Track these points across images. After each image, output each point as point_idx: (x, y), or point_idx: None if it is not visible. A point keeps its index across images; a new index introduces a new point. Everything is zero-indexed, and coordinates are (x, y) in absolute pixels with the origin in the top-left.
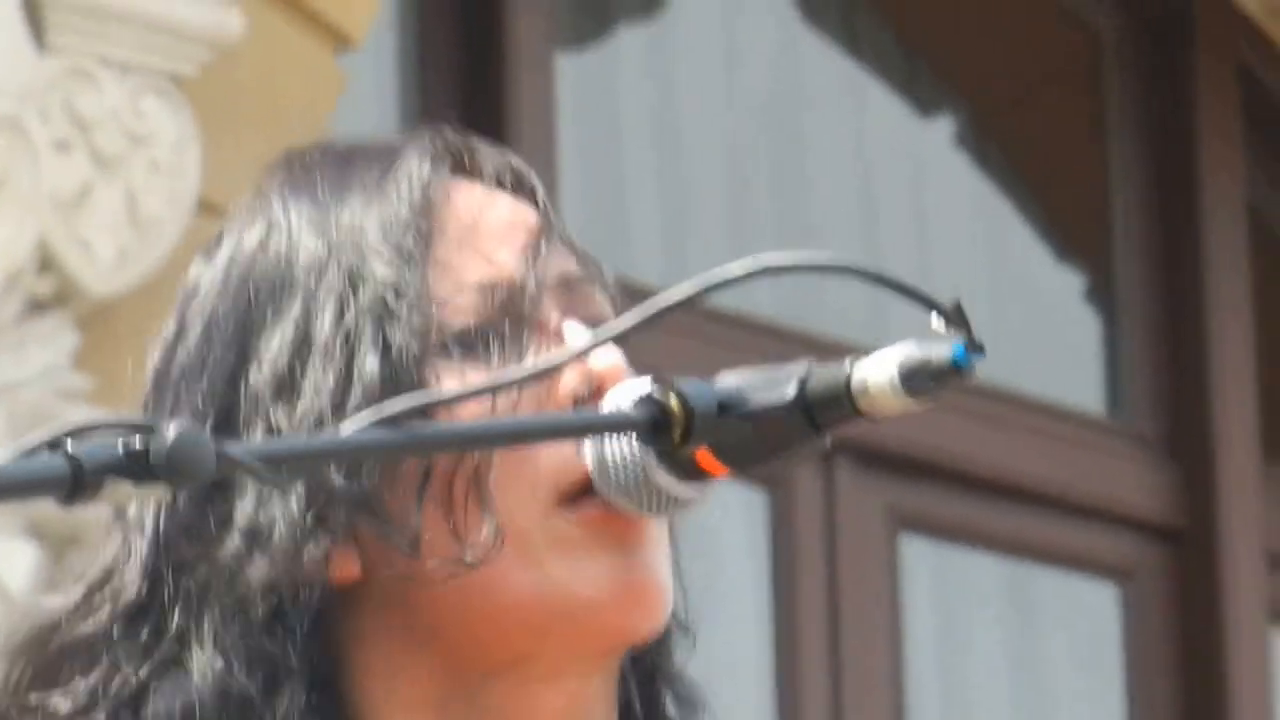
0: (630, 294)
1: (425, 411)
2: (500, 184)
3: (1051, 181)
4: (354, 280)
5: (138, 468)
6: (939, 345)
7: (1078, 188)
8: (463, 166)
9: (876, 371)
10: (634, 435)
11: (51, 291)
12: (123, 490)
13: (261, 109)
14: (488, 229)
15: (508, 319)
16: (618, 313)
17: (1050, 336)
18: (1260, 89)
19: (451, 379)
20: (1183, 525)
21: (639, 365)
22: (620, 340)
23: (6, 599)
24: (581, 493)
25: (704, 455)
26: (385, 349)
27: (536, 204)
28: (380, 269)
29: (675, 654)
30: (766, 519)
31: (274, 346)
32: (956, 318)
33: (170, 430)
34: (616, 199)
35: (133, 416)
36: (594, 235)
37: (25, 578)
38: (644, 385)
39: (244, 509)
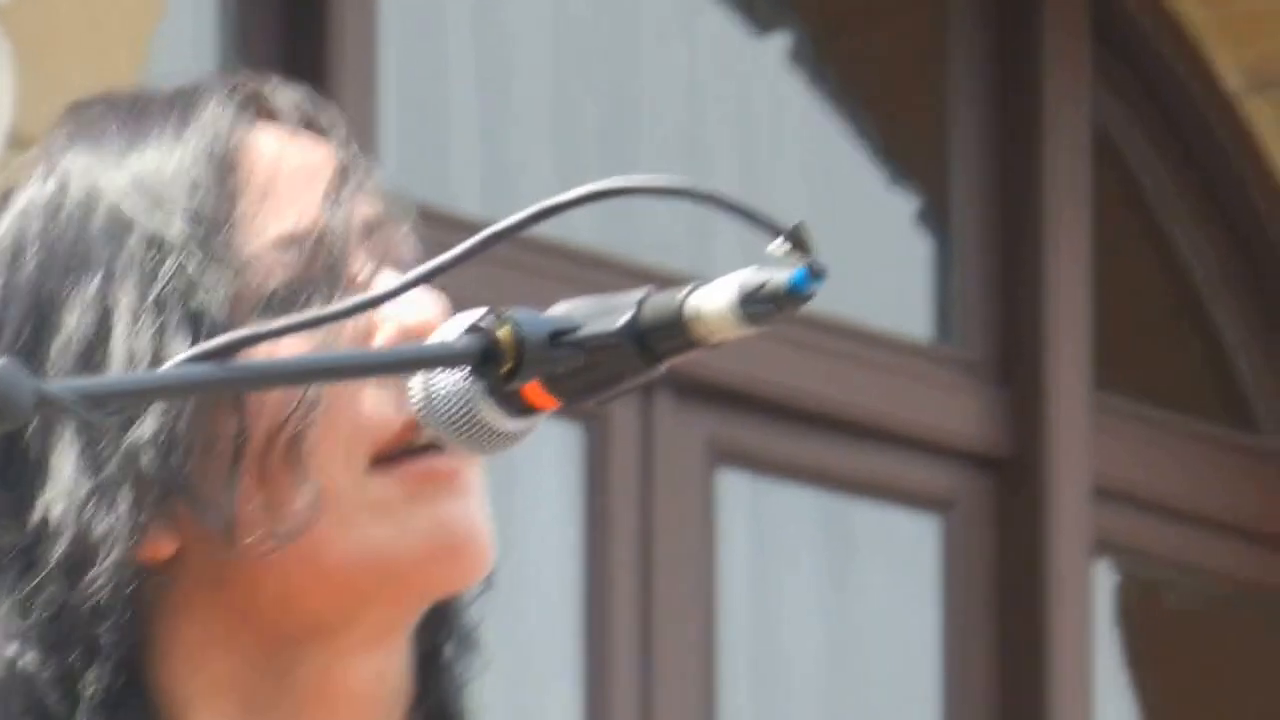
0: (454, 227)
1: (242, 352)
2: (302, 125)
3: (889, 103)
4: (154, 248)
5: None
6: (779, 270)
7: (916, 110)
8: (262, 110)
9: (714, 297)
10: (462, 368)
11: None
12: None
13: (79, 37)
14: (288, 177)
15: (316, 273)
16: (425, 257)
17: (881, 263)
18: (1110, 10)
19: (268, 347)
20: (1008, 455)
21: (466, 303)
22: (445, 273)
23: None
24: (400, 451)
25: (533, 388)
26: (194, 324)
27: (340, 144)
28: (181, 234)
29: (463, 598)
30: (581, 453)
31: (73, 325)
32: (798, 241)
33: None
34: (440, 128)
35: None
36: (415, 168)
37: None
38: (473, 316)
39: (51, 486)
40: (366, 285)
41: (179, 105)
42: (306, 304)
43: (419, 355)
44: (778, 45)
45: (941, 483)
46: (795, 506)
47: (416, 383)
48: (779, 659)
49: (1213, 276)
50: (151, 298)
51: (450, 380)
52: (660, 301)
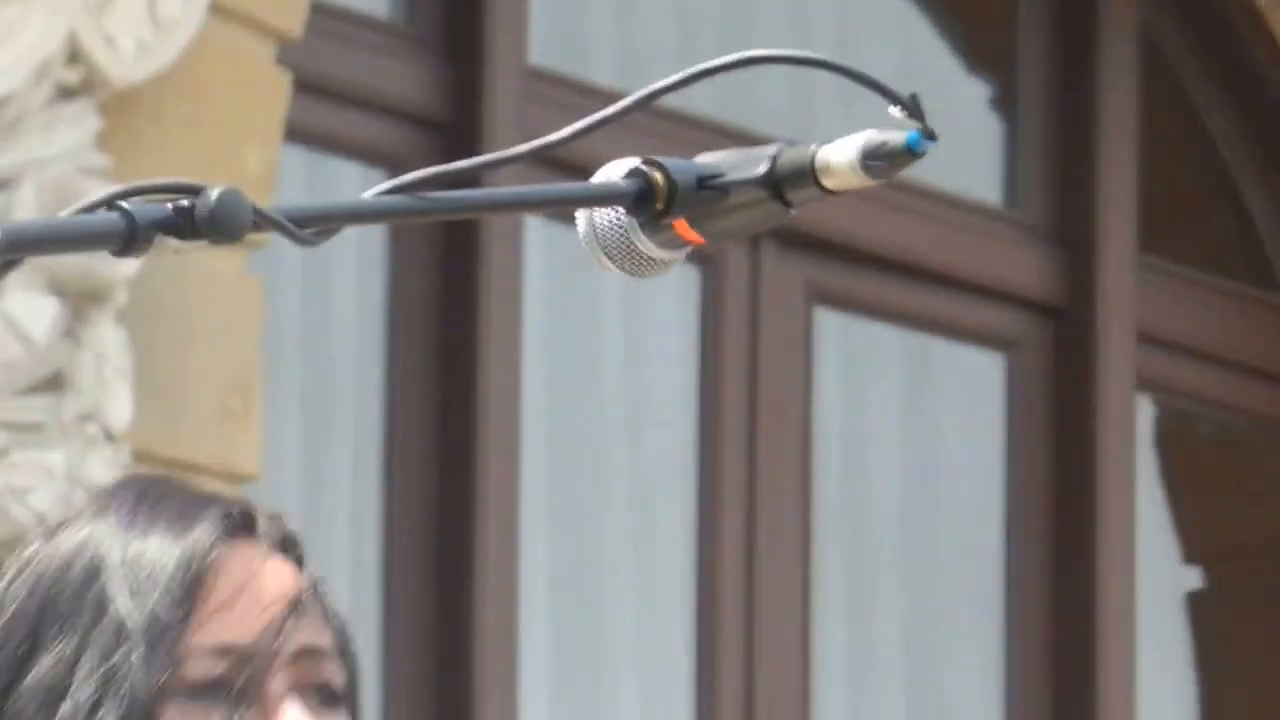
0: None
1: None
2: (277, 549)
3: (969, 3)
4: (116, 632)
5: (184, 224)
6: (897, 131)
7: (991, 9)
8: (248, 531)
9: (840, 153)
10: (621, 206)
11: (78, 80)
12: (170, 244)
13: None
14: (249, 595)
15: (235, 680)
16: (351, 684)
17: (961, 139)
18: None
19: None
20: (1065, 304)
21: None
22: (598, 130)
23: (30, 345)
24: None
25: (681, 225)
26: (122, 702)
27: (305, 575)
28: (138, 627)
29: None
30: (699, 292)
31: (46, 666)
32: (914, 109)
33: (213, 191)
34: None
35: (180, 181)
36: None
37: (46, 328)
38: (631, 162)
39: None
40: (276, 699)
41: (186, 512)
42: (220, 699)
43: (586, 192)
44: None
45: (1007, 326)
46: (880, 342)
47: (581, 216)
48: (864, 475)
49: (1242, 158)
50: (100, 671)
51: (611, 215)
52: (792, 154)
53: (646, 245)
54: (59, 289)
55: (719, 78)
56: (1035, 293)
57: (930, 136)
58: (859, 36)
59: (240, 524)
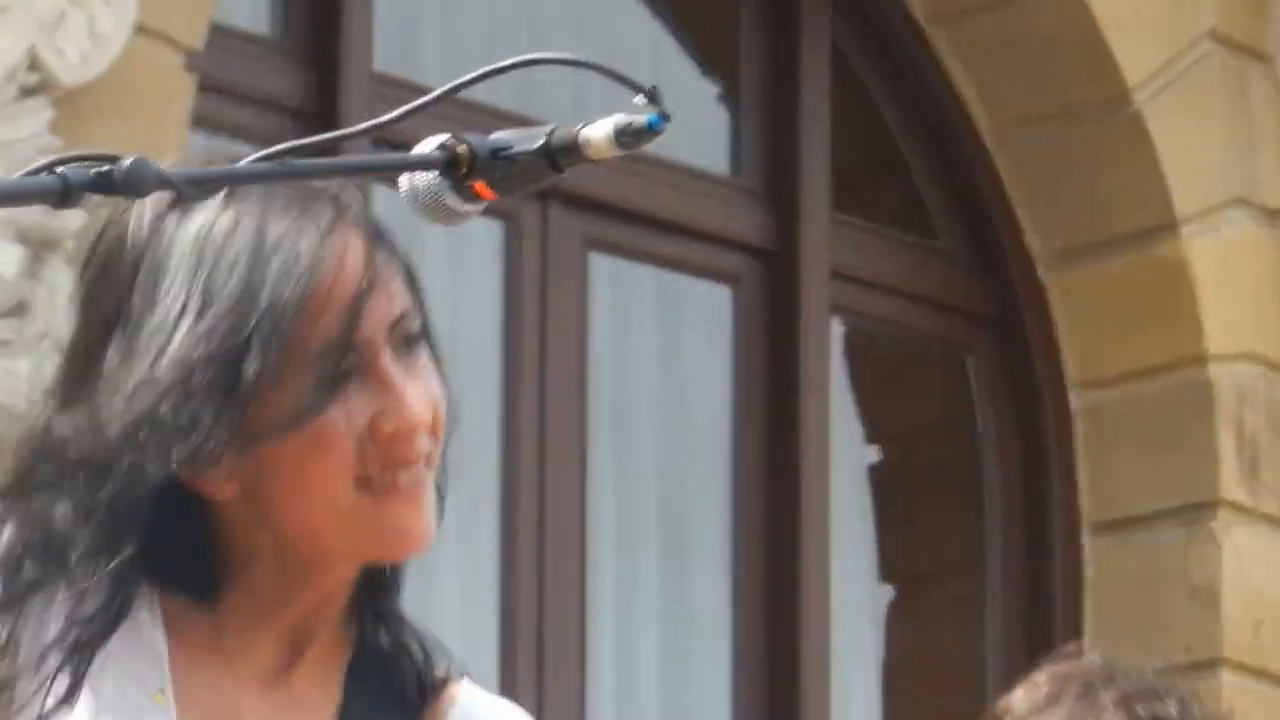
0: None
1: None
2: (364, 232)
3: None
4: (265, 288)
5: (105, 184)
6: (641, 115)
7: (717, 13)
8: (347, 216)
9: (598, 130)
10: (435, 171)
11: (36, 82)
12: (95, 200)
13: None
14: (347, 273)
15: (345, 365)
16: (424, 319)
17: (695, 121)
18: None
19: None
20: (776, 249)
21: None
22: (411, 117)
23: (1, 281)
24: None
25: (480, 185)
26: (228, 370)
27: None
28: (261, 306)
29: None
30: (500, 242)
31: (222, 287)
32: (653, 97)
33: (127, 160)
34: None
35: (104, 152)
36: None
37: (14, 269)
38: (441, 138)
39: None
40: (386, 375)
41: (307, 199)
42: (326, 353)
43: (406, 161)
44: None
45: (732, 267)
46: (640, 281)
47: (404, 180)
48: (628, 389)
49: (908, 139)
50: (218, 338)
51: (426, 178)
52: (563, 132)
53: (454, 201)
54: (23, 238)
55: (509, 75)
56: (754, 240)
57: (665, 118)
58: (617, 38)
59: (342, 210)
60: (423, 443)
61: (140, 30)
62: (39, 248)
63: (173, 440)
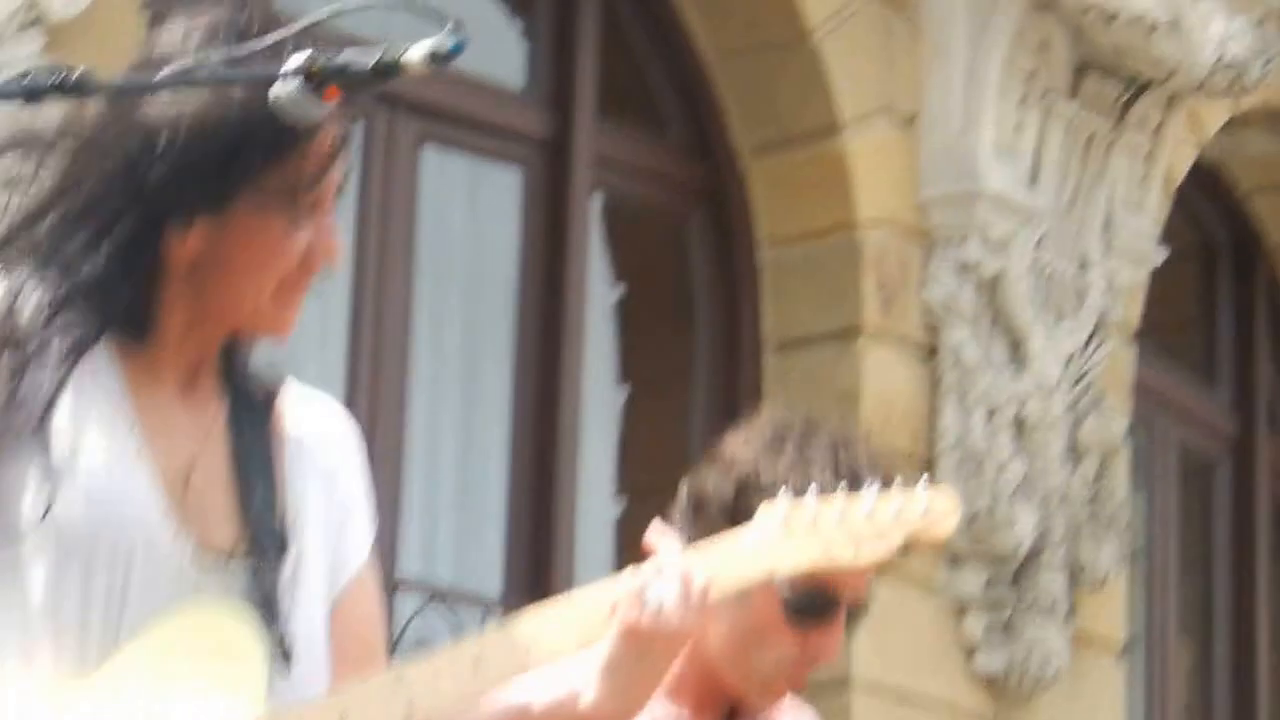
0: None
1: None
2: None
3: None
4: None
5: (61, 88)
6: (446, 42)
7: None
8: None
9: (415, 53)
10: (298, 80)
11: (33, 17)
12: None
13: None
14: (328, 144)
15: (311, 184)
16: None
17: (496, 41)
18: None
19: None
20: (554, 141)
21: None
22: (286, 41)
23: None
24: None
25: (330, 91)
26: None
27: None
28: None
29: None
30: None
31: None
32: (457, 28)
33: (76, 71)
34: None
35: (59, 65)
36: None
37: None
38: (302, 55)
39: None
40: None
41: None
42: (305, 198)
43: (281, 73)
44: None
45: (522, 153)
46: (455, 166)
47: (278, 86)
48: (446, 247)
49: (653, 58)
50: (231, 125)
51: (293, 85)
52: (389, 54)
53: (312, 101)
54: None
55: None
56: (539, 134)
57: (463, 46)
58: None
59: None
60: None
61: None
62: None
63: (184, 191)
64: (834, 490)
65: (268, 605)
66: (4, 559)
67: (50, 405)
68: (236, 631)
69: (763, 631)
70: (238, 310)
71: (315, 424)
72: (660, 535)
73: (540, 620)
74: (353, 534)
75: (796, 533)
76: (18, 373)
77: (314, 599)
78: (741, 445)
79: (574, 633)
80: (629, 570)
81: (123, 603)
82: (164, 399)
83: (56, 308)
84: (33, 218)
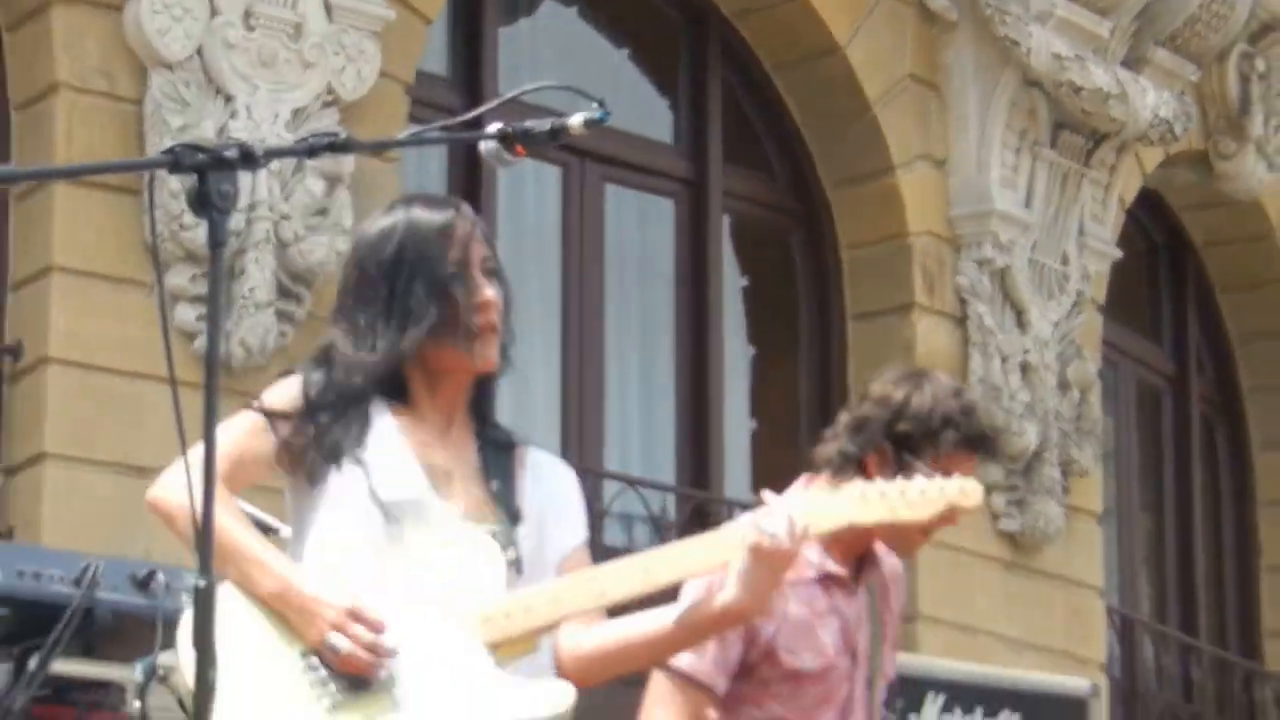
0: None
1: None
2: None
3: None
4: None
5: (196, 162)
6: (597, 112)
7: None
8: (462, 210)
9: (575, 121)
10: (497, 140)
11: (332, 99)
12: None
13: None
14: (462, 233)
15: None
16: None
17: (647, 107)
18: None
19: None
20: (689, 177)
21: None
22: (491, 108)
23: (314, 198)
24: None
25: (519, 148)
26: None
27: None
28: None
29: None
30: (558, 181)
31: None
32: (602, 104)
33: (210, 147)
34: None
35: (203, 143)
36: None
37: (319, 191)
38: (498, 124)
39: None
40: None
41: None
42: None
43: (485, 135)
44: None
45: (670, 189)
46: (621, 196)
47: (482, 145)
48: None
49: (760, 119)
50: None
51: (493, 145)
52: (558, 122)
53: (507, 156)
54: (322, 174)
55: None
56: (684, 175)
57: (607, 115)
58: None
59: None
60: (492, 314)
61: (382, 74)
62: (333, 180)
63: (405, 332)
64: (956, 408)
65: (507, 542)
66: (315, 494)
67: (360, 438)
68: (487, 548)
69: (910, 534)
70: (456, 369)
71: (551, 468)
72: (782, 495)
73: (696, 543)
74: (570, 525)
75: (870, 498)
76: (326, 429)
77: (533, 553)
78: (889, 385)
79: (716, 553)
80: (751, 513)
81: (396, 537)
82: (427, 437)
83: (348, 391)
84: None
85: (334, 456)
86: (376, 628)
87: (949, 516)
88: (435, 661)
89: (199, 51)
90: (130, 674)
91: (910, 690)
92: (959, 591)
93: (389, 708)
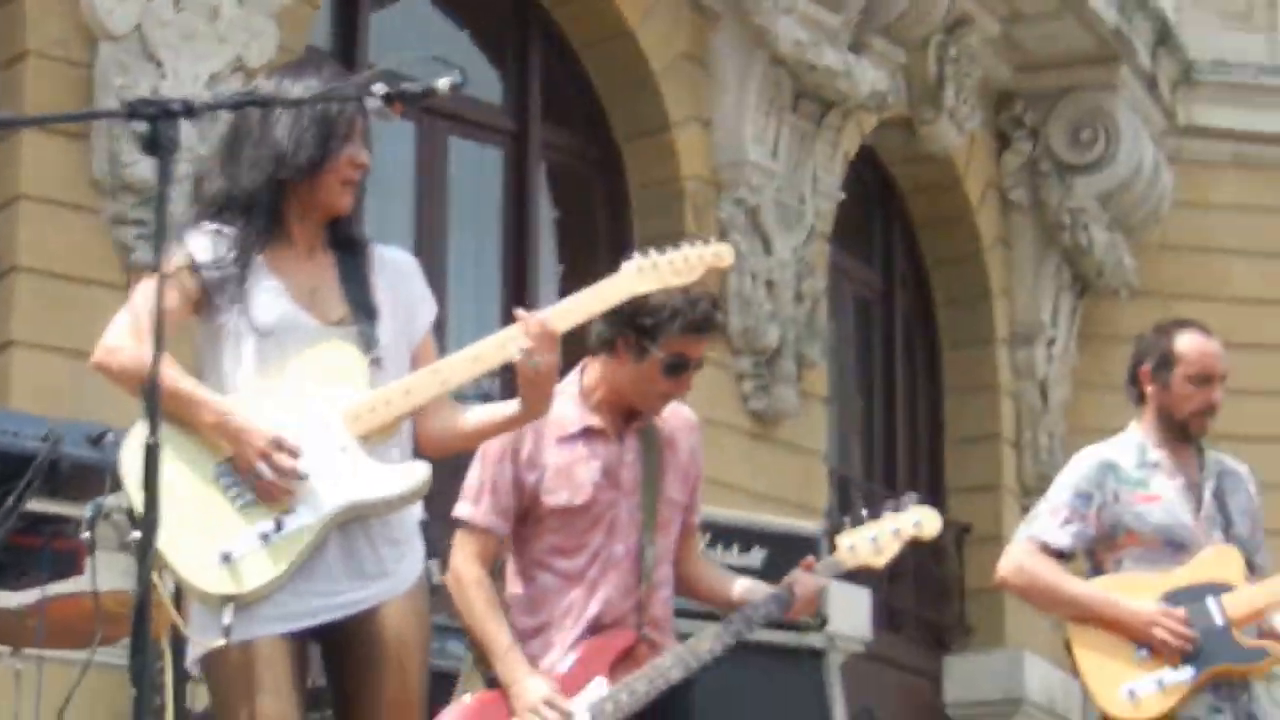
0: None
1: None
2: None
3: None
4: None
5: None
6: (459, 77)
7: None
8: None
9: (441, 84)
10: (379, 98)
11: (240, 66)
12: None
13: None
14: (358, 118)
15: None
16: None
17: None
18: None
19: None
20: (514, 130)
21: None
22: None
23: None
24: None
25: (397, 106)
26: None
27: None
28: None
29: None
30: (414, 136)
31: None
32: (464, 72)
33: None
34: None
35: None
36: None
37: None
38: (379, 85)
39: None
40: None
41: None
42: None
43: (369, 92)
44: None
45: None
46: (483, 154)
47: (367, 100)
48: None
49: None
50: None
51: (376, 102)
52: (428, 84)
53: (385, 112)
54: None
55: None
56: (510, 129)
57: (466, 81)
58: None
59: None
60: (357, 173)
61: (280, 48)
62: None
63: (294, 163)
64: (683, 302)
65: (366, 342)
66: (215, 330)
67: (242, 276)
68: (350, 353)
69: (652, 380)
70: (327, 202)
71: (393, 260)
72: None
73: (458, 357)
74: (419, 312)
75: (645, 270)
76: (215, 276)
77: (391, 344)
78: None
79: (478, 365)
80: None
81: (275, 353)
82: (295, 259)
83: (243, 240)
84: (214, 184)
85: (222, 294)
86: (294, 454)
87: (685, 382)
88: (320, 459)
89: (138, 28)
90: (84, 512)
91: None
92: (716, 457)
93: (288, 504)
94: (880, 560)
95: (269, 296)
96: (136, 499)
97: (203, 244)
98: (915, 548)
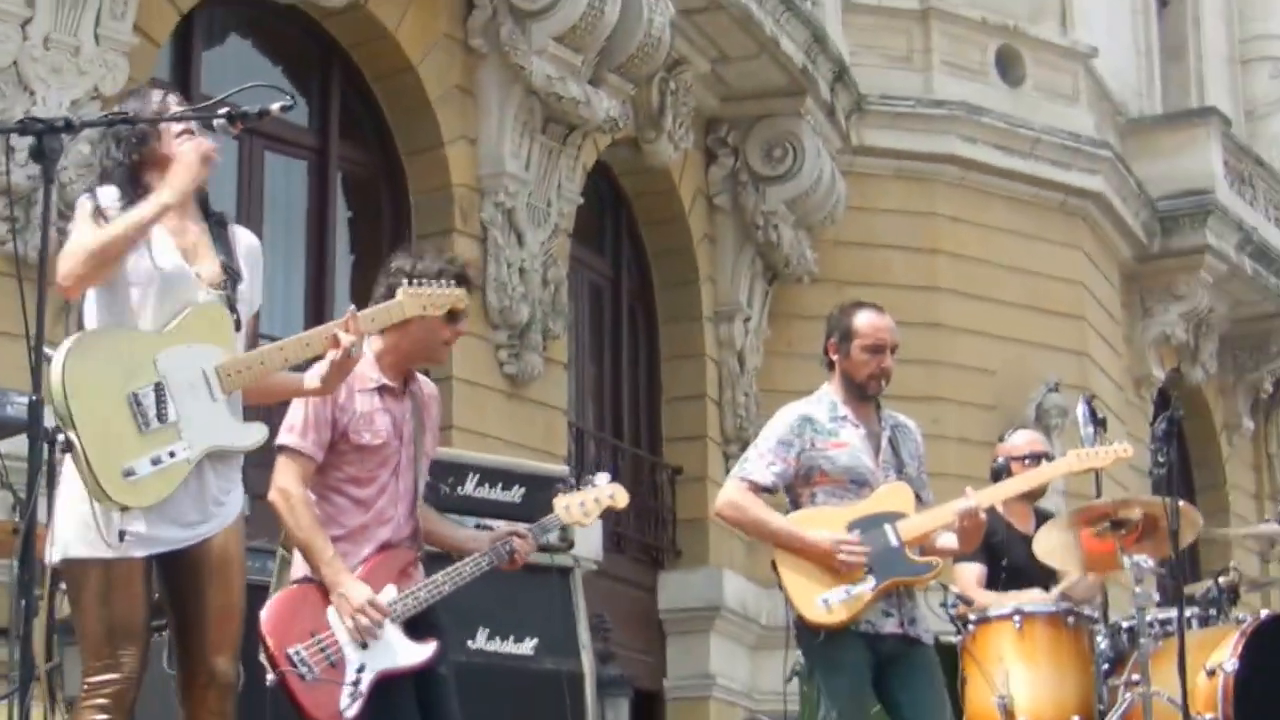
0: None
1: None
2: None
3: None
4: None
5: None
6: (289, 102)
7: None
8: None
9: (275, 107)
10: (222, 119)
11: (97, 94)
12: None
13: None
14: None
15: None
16: None
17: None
18: None
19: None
20: (316, 146)
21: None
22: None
23: None
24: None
25: (238, 124)
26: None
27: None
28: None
29: None
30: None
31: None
32: (293, 98)
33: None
34: None
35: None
36: None
37: None
38: (224, 108)
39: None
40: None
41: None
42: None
43: (214, 114)
44: None
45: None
46: (277, 161)
47: (215, 122)
48: None
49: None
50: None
51: (221, 122)
52: (264, 109)
53: (227, 129)
54: None
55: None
56: (315, 145)
57: (294, 105)
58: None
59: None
60: (215, 156)
61: (130, 79)
62: (94, 145)
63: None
64: (444, 262)
65: (231, 305)
66: (114, 289)
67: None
68: (222, 313)
69: (437, 329)
70: (176, 181)
71: (248, 239)
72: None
73: (292, 341)
74: (256, 299)
75: (412, 297)
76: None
77: (246, 308)
78: (404, 259)
79: (309, 350)
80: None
81: (168, 299)
82: (178, 220)
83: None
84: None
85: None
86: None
87: (460, 330)
88: (200, 404)
89: (14, 63)
90: None
91: (456, 471)
92: (477, 412)
93: (174, 437)
94: (587, 521)
95: (162, 247)
96: (59, 403)
97: (109, 193)
98: (632, 492)
